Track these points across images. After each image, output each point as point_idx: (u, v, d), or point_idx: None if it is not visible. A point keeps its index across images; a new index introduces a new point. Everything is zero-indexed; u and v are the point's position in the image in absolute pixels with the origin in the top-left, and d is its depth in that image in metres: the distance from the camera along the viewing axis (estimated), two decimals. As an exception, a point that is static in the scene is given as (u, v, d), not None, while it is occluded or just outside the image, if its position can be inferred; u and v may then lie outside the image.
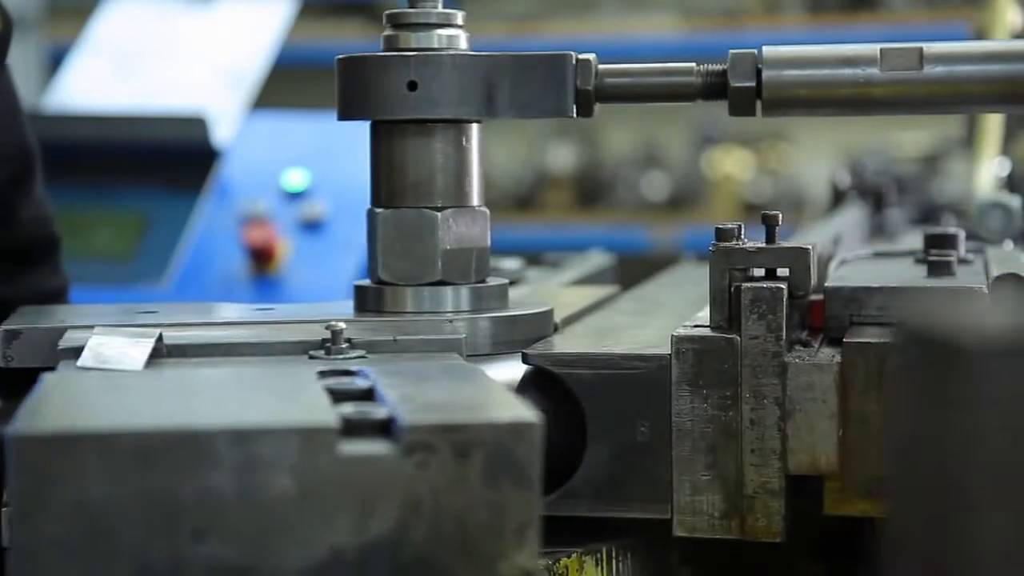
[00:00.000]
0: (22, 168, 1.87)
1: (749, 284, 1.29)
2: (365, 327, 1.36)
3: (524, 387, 1.34)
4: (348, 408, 1.00)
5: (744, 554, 1.34)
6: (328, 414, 0.99)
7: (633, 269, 2.21)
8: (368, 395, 1.06)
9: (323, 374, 1.12)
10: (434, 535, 0.97)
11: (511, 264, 1.95)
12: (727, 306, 1.30)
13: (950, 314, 0.76)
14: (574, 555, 1.30)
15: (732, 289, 1.30)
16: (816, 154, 6.60)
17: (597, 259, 2.21)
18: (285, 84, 4.32)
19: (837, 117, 1.49)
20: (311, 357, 1.26)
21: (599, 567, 1.31)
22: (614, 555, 1.33)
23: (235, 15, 3.66)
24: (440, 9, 1.46)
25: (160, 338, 1.27)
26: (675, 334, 1.30)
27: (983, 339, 0.73)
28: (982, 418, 0.74)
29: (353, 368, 1.16)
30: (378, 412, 1.00)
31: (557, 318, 1.50)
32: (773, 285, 1.29)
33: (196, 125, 3.29)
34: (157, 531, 0.95)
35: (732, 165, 6.78)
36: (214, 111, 3.35)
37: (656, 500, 1.31)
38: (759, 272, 1.33)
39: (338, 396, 1.05)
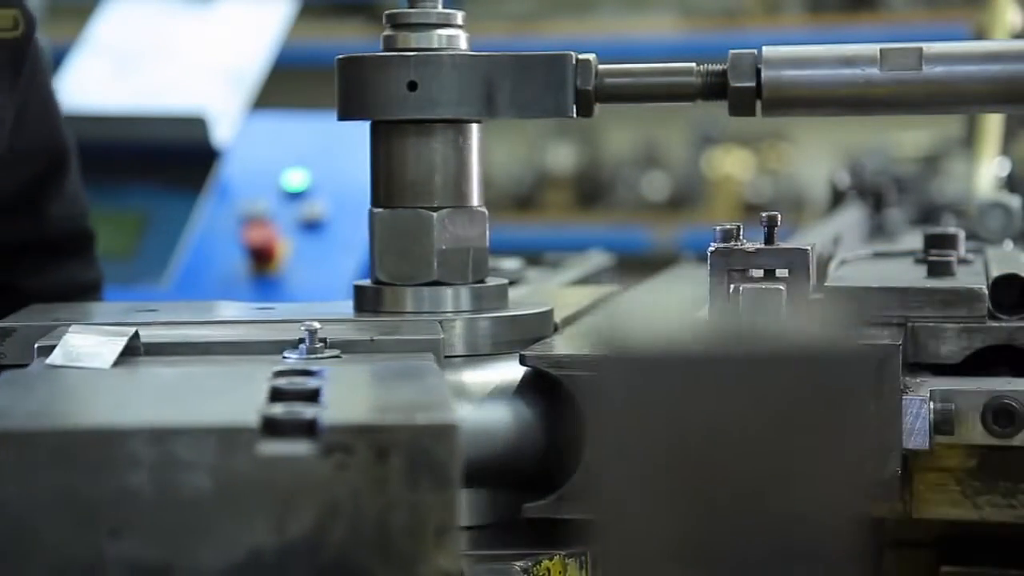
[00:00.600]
0: (54, 164, 1.93)
1: (748, 285, 1.29)
2: (346, 327, 1.36)
3: (523, 388, 1.34)
4: (279, 408, 1.00)
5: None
6: (251, 414, 0.99)
7: (633, 269, 2.21)
8: (313, 395, 1.06)
9: (279, 373, 1.12)
10: (353, 536, 0.96)
11: (511, 264, 1.94)
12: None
13: (630, 323, 0.76)
14: (556, 557, 1.28)
15: (731, 290, 1.29)
16: (816, 154, 6.60)
17: (597, 259, 2.21)
18: (285, 84, 4.32)
19: (837, 117, 1.49)
20: (285, 357, 1.26)
21: (583, 570, 1.30)
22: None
23: (235, 15, 3.66)
24: (440, 9, 1.46)
25: (136, 336, 1.27)
26: (674, 335, 1.30)
27: (625, 348, 0.74)
28: (611, 423, 0.74)
29: (314, 368, 1.16)
30: (307, 412, 1.00)
31: (557, 318, 1.50)
32: (772, 286, 1.28)
33: (196, 125, 3.29)
34: (74, 530, 0.95)
35: (732, 165, 6.78)
36: (214, 111, 3.35)
37: (655, 502, 1.30)
38: (758, 273, 1.33)
39: (281, 396, 1.05)
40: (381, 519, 0.97)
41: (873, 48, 1.40)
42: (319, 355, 1.25)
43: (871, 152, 4.01)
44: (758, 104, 1.42)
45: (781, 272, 1.32)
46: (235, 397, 1.07)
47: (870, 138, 5.26)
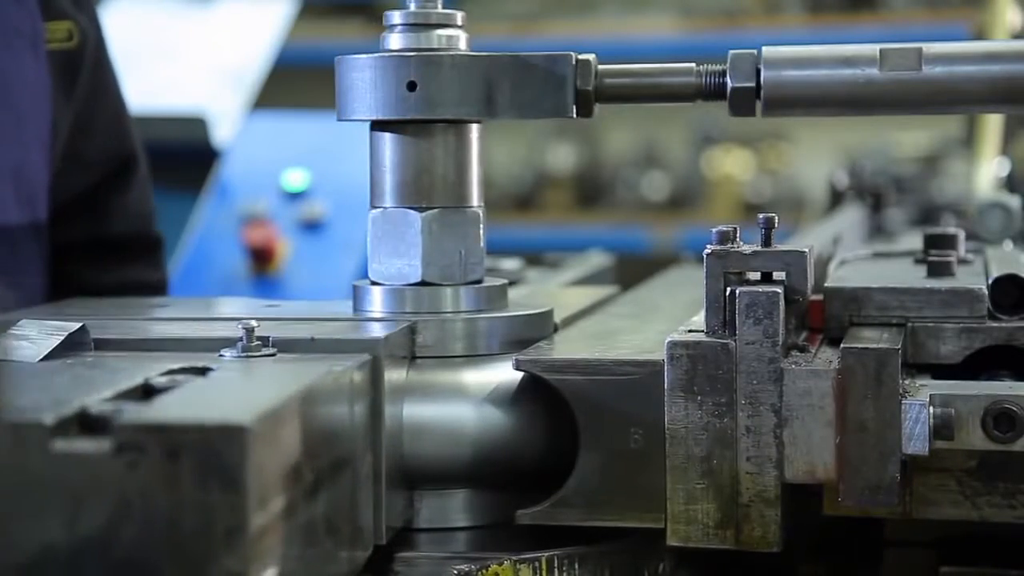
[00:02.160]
0: (121, 170, 2.01)
1: (745, 288, 1.27)
2: (292, 326, 1.36)
3: (520, 391, 1.34)
4: (107, 406, 1.01)
5: (739, 555, 1.33)
6: (58, 411, 0.99)
7: (633, 269, 2.21)
8: (150, 393, 1.07)
9: (171, 371, 1.13)
10: (145, 536, 0.97)
11: (511, 264, 1.94)
12: (723, 310, 1.28)
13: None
14: (506, 562, 1.27)
15: (728, 293, 1.28)
16: (816, 154, 6.60)
17: (597, 259, 2.21)
18: (285, 84, 4.32)
19: (837, 117, 1.48)
20: (221, 355, 1.26)
21: (536, 575, 1.28)
22: (556, 564, 1.29)
23: (235, 15, 3.66)
24: (440, 9, 1.45)
25: (82, 331, 1.28)
26: (669, 339, 1.28)
27: None
28: None
29: (213, 366, 1.17)
30: (120, 411, 1.00)
31: (557, 319, 1.50)
32: (769, 289, 1.27)
33: (196, 125, 3.30)
34: None
35: (732, 165, 6.78)
36: (214, 111, 3.35)
37: (649, 509, 1.29)
38: (755, 275, 1.32)
39: (147, 392, 1.07)
40: (171, 519, 0.97)
41: (873, 48, 1.40)
42: (253, 353, 1.25)
43: (871, 152, 4.01)
44: (758, 104, 1.42)
45: (778, 274, 1.31)
46: (75, 394, 1.07)
47: (870, 138, 5.26)
